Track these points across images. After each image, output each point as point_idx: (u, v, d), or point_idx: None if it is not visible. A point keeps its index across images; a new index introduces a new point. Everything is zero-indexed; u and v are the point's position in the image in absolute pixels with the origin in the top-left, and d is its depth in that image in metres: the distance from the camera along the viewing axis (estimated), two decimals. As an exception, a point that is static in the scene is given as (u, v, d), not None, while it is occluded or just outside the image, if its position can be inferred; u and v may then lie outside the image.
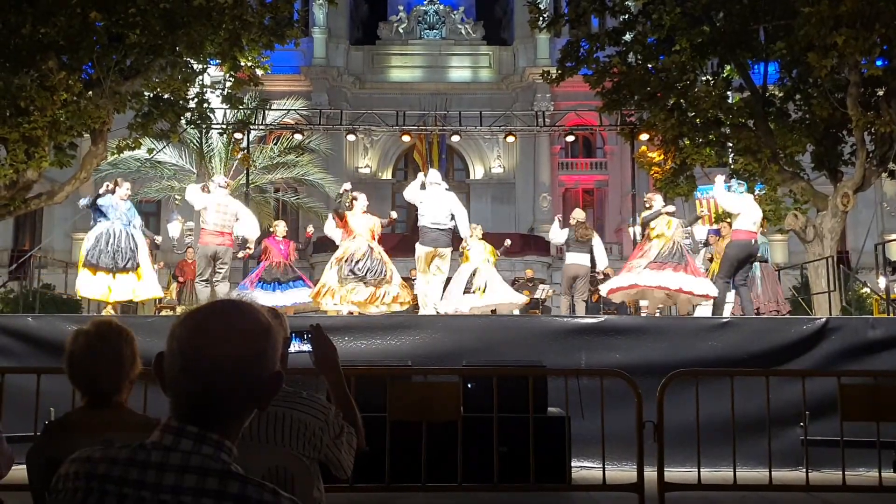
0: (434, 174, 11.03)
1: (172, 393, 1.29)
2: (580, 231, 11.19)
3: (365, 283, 9.83)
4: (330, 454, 2.28)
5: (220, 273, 10.33)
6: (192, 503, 1.17)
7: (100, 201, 9.80)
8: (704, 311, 12.32)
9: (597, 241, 11.49)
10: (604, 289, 10.98)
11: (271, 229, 12.65)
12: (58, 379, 4.84)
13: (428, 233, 10.11)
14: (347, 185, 10.98)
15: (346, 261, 9.94)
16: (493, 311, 12.67)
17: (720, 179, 11.22)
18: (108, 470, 1.23)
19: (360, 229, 10.20)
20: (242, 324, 1.30)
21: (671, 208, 10.77)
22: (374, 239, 10.26)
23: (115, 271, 9.67)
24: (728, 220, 12.55)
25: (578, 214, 11.61)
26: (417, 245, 10.26)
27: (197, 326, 1.29)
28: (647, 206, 10.91)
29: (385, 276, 9.95)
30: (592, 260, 11.54)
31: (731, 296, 11.85)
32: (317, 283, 10.67)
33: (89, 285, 9.72)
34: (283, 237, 12.26)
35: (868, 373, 6.62)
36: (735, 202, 10.63)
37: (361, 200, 10.52)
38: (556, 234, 11.96)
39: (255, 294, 11.09)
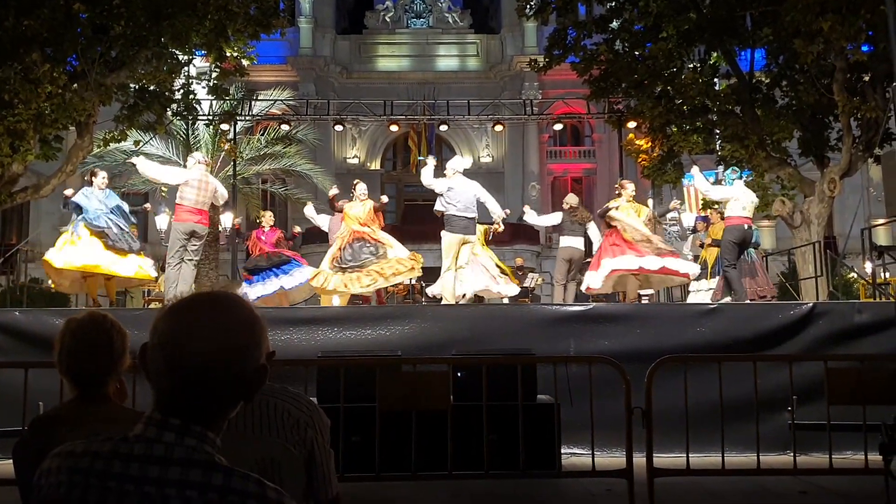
0: (461, 161, 10.65)
1: (155, 385, 1.26)
2: (581, 214, 11.11)
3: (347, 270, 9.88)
4: (316, 453, 2.20)
5: (193, 251, 9.59)
6: (177, 495, 1.16)
7: (75, 197, 9.73)
8: (697, 297, 12.37)
9: (592, 226, 11.42)
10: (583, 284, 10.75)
11: (258, 221, 12.53)
12: (46, 373, 4.83)
13: (458, 221, 9.77)
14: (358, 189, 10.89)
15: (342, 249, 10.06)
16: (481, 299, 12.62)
17: (697, 170, 11.31)
18: (91, 463, 1.21)
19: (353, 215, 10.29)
20: (226, 316, 1.27)
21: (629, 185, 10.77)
22: (363, 225, 10.25)
23: (115, 249, 9.56)
24: (716, 207, 12.61)
25: (571, 199, 11.56)
26: (445, 233, 9.78)
27: (179, 319, 1.27)
28: (617, 193, 10.83)
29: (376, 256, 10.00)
30: (586, 245, 11.31)
31: (713, 282, 11.89)
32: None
33: (85, 253, 9.46)
34: (271, 227, 12.16)
35: (855, 357, 6.65)
36: (721, 192, 10.69)
37: (360, 188, 10.61)
38: (542, 220, 12.01)
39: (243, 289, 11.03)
